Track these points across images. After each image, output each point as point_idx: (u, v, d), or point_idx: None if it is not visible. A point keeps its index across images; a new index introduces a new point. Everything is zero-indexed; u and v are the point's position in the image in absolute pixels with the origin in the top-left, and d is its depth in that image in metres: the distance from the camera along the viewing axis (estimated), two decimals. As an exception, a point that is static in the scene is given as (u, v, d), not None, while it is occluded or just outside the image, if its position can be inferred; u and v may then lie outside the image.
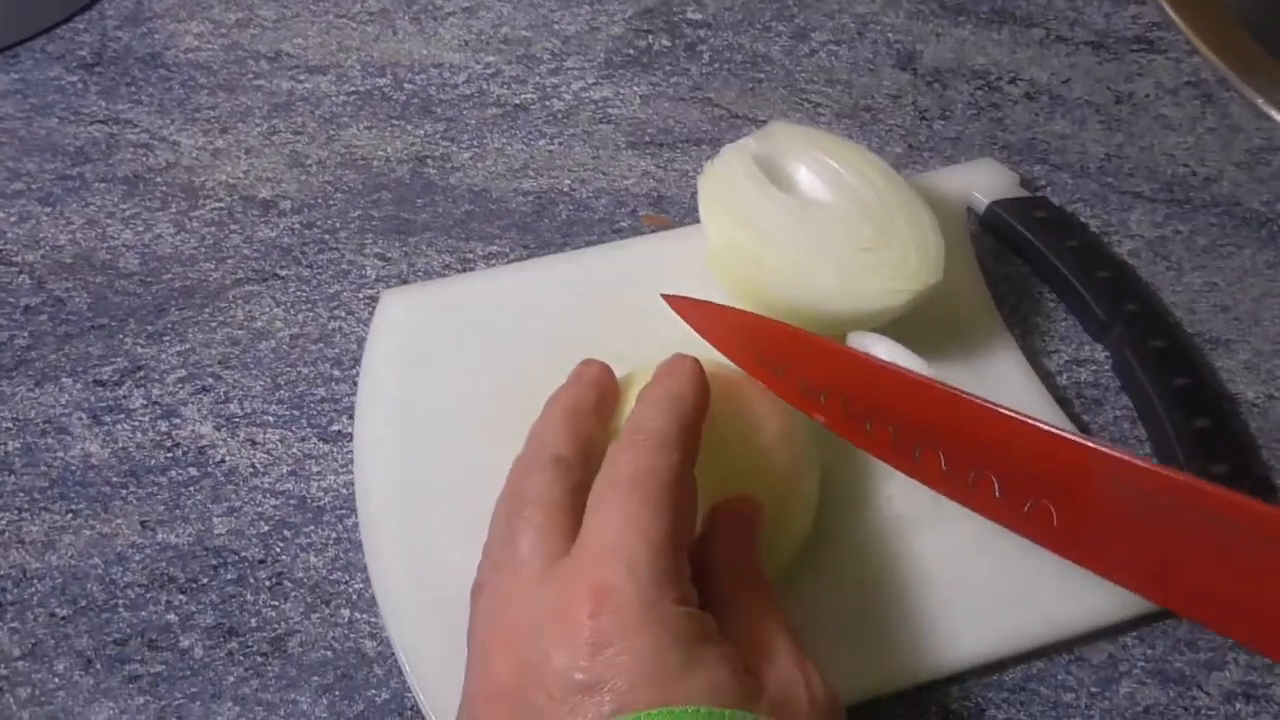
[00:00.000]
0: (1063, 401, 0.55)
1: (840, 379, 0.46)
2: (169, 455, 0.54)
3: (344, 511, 0.52)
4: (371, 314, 0.57)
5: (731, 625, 0.38)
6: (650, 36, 0.75)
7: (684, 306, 0.50)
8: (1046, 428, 0.41)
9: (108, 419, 0.55)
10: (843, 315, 0.51)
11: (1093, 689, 0.47)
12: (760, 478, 0.45)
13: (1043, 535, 0.43)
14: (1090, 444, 0.40)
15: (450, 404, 0.54)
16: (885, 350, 0.48)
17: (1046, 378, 0.56)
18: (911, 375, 0.44)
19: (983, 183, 0.63)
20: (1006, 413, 0.42)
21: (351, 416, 0.54)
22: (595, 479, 0.40)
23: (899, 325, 0.52)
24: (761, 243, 0.51)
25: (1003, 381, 0.54)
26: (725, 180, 0.53)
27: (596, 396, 0.45)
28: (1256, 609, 0.38)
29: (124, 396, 0.56)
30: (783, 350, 0.48)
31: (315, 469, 0.53)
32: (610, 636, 0.34)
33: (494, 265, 0.62)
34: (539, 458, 0.42)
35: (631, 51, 0.74)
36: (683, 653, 0.35)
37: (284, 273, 0.61)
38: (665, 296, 0.50)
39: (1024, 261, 0.61)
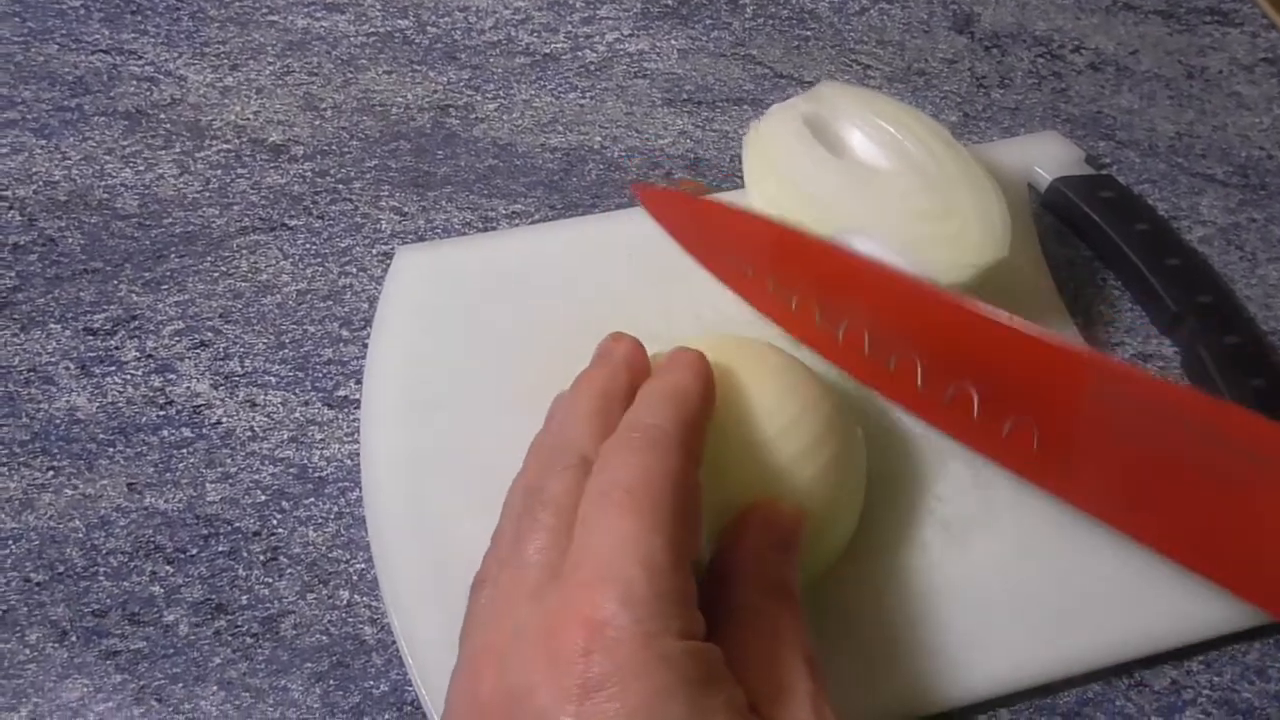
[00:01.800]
0: (1127, 398, 0.51)
1: (813, 277, 0.42)
2: (161, 413, 0.50)
3: (347, 484, 0.48)
4: (385, 272, 0.53)
5: (747, 651, 0.34)
6: (691, -13, 0.70)
7: (652, 199, 0.47)
8: (1036, 333, 0.37)
9: (97, 370, 0.52)
10: (899, 294, 0.47)
11: (1154, 718, 0.43)
12: (791, 482, 0.41)
13: (1018, 461, 0.39)
14: (1082, 351, 0.36)
15: (466, 372, 0.50)
16: (870, 248, 0.43)
17: (1110, 372, 0.52)
18: (894, 272, 0.40)
19: (1046, 157, 0.59)
20: (994, 317, 0.37)
21: (359, 381, 0.51)
22: (587, 483, 0.35)
23: (954, 308, 0.48)
24: (811, 211, 0.47)
25: (1063, 374, 0.50)
26: (773, 142, 0.49)
27: (628, 379, 0.41)
28: (1246, 545, 0.35)
29: (116, 347, 0.52)
30: (752, 247, 0.44)
31: (318, 436, 0.50)
32: (602, 679, 0.30)
33: (517, 225, 0.58)
34: (559, 450, 0.38)
35: (670, 2, 0.69)
36: (683, 701, 0.30)
37: (293, 223, 0.57)
38: (635, 187, 0.47)
39: (1087, 245, 0.57)
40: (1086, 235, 0.57)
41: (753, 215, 0.44)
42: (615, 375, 0.41)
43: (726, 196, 0.57)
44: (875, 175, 0.48)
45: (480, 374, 0.50)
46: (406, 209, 0.58)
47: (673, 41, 0.67)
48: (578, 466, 0.37)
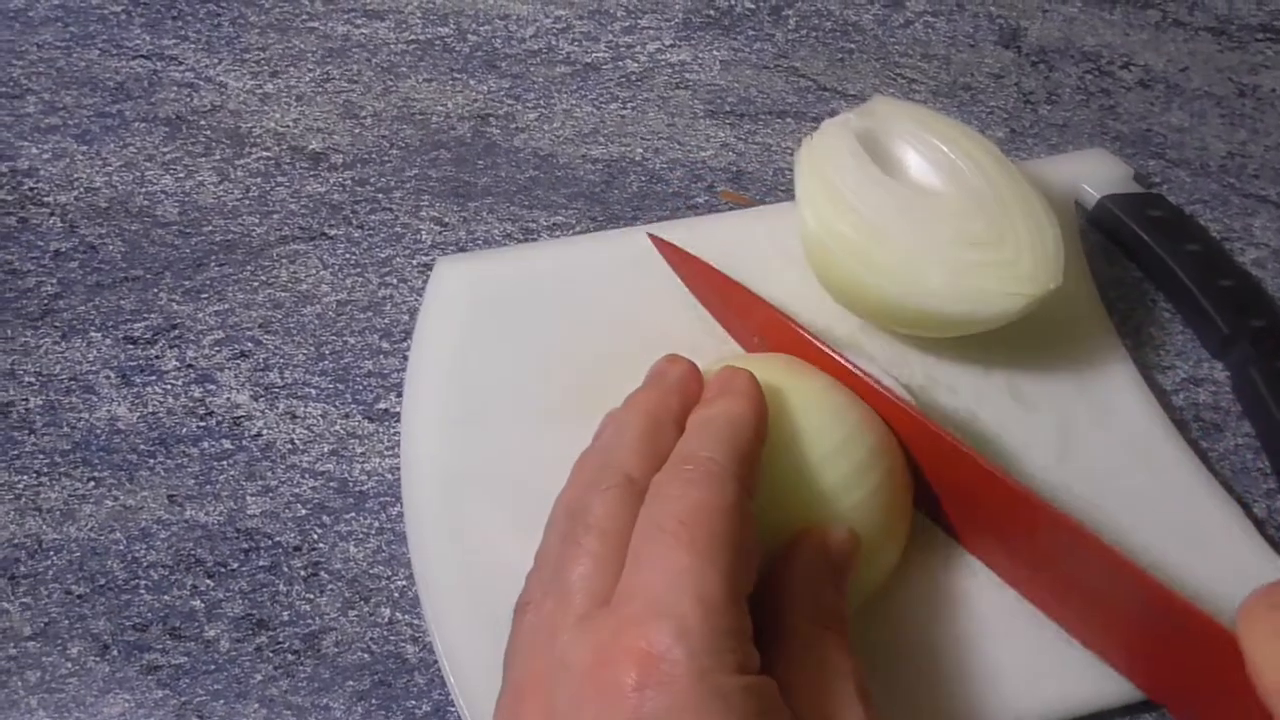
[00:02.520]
0: (1179, 425, 0.50)
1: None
2: (201, 424, 0.50)
3: (388, 499, 0.48)
4: (425, 282, 0.53)
5: (799, 682, 0.34)
6: (733, -3, 0.70)
7: (672, 255, 0.50)
8: (996, 472, 0.40)
9: (138, 380, 0.51)
10: (952, 318, 0.46)
11: (1210, 751, 0.42)
12: (839, 505, 0.40)
13: (1001, 573, 0.44)
14: (1043, 503, 0.39)
15: (508, 385, 0.49)
16: (873, 370, 0.45)
17: (1160, 396, 0.51)
18: (886, 393, 0.43)
19: (1093, 175, 0.58)
20: (966, 451, 0.41)
21: (400, 394, 0.50)
22: (639, 514, 0.35)
23: (1001, 327, 0.47)
24: (864, 232, 0.46)
25: (1114, 398, 0.50)
26: (826, 159, 0.48)
27: (680, 404, 0.40)
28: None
29: (156, 356, 0.52)
30: (759, 323, 0.47)
31: (359, 449, 0.49)
32: (655, 715, 0.30)
33: (558, 236, 0.57)
34: (607, 474, 0.37)
35: (712, 12, 0.69)
36: None
37: (333, 232, 0.57)
38: (652, 237, 0.49)
39: (1136, 265, 0.56)
40: (1136, 255, 0.56)
41: (757, 298, 0.48)
42: (666, 399, 0.40)
43: (773, 209, 0.57)
44: (928, 197, 0.47)
45: (522, 387, 0.49)
46: (447, 219, 0.57)
47: (715, 53, 0.66)
48: (621, 486, 0.36)
